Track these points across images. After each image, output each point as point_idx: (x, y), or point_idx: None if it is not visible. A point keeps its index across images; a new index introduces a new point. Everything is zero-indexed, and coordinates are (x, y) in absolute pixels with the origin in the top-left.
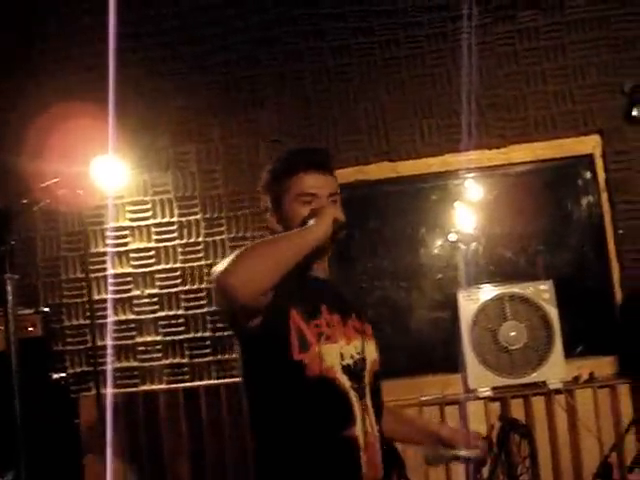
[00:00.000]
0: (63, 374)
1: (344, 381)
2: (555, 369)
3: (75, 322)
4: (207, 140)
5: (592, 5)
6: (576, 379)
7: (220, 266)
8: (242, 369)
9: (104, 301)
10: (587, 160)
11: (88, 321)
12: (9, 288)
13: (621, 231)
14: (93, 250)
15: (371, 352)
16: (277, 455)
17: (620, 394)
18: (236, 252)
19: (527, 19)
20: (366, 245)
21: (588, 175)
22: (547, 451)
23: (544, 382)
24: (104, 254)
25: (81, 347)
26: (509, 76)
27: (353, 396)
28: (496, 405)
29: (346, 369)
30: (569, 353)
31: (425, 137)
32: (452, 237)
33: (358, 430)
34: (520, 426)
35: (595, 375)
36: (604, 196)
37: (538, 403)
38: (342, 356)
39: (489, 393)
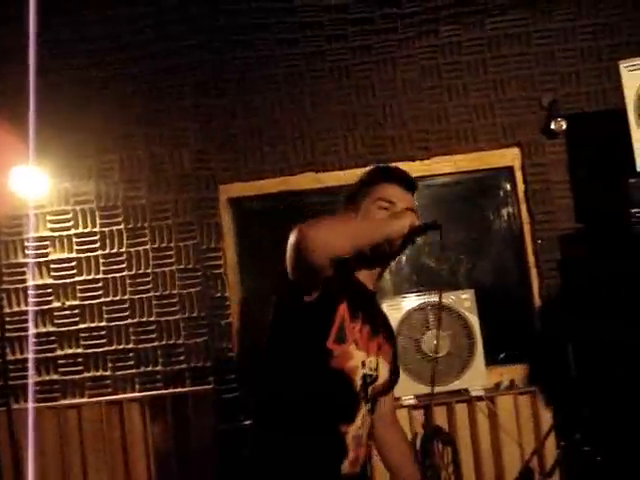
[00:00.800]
0: None
1: (359, 384)
2: (477, 376)
3: None
4: (131, 149)
5: (512, 21)
6: (497, 386)
7: (305, 225)
8: (271, 341)
9: (23, 313)
10: (507, 172)
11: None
12: None
13: (540, 241)
14: (12, 260)
15: (383, 373)
16: (272, 434)
17: (540, 400)
18: (323, 218)
19: (449, 34)
20: None
21: (508, 186)
22: (470, 457)
23: (466, 389)
24: (23, 265)
25: None
26: (432, 89)
27: (361, 399)
28: (420, 413)
29: (362, 377)
30: (490, 361)
31: (349, 148)
32: None
33: (354, 428)
34: (443, 433)
35: (516, 382)
36: (523, 207)
37: (461, 410)
38: (363, 364)
39: (413, 401)
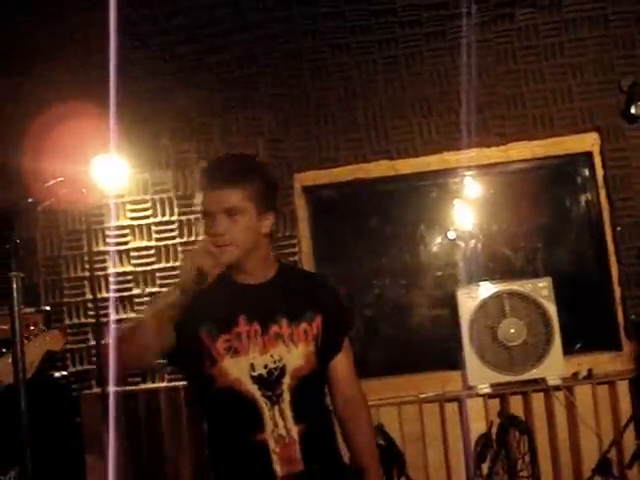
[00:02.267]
0: (64, 373)
1: (253, 390)
2: (554, 366)
3: (76, 321)
4: (207, 139)
5: (590, 3)
6: (575, 375)
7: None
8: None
9: (105, 300)
10: (585, 158)
11: (89, 320)
12: (15, 286)
13: (619, 228)
14: (94, 249)
15: (295, 358)
16: (210, 455)
17: (619, 390)
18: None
19: (525, 17)
20: (366, 243)
21: (586, 172)
22: (546, 447)
23: (543, 379)
24: (105, 253)
25: (82, 345)
26: (507, 74)
27: (263, 403)
28: (495, 402)
29: (257, 379)
30: (568, 350)
31: (424, 135)
32: (451, 235)
33: (267, 434)
34: (519, 422)
35: (594, 371)
36: (602, 193)
37: (537, 400)
38: (253, 367)
39: (488, 390)
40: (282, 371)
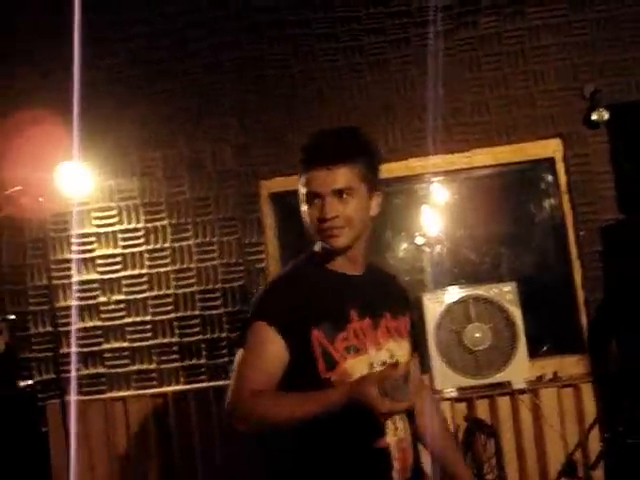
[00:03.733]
0: (30, 382)
1: (374, 392)
2: (519, 369)
3: (41, 329)
4: (173, 146)
5: (552, 11)
6: (540, 379)
7: (231, 396)
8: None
9: (70, 308)
10: (548, 163)
11: (53, 329)
12: None
13: (582, 233)
14: (59, 257)
15: (403, 353)
16: (307, 470)
17: (584, 393)
18: (249, 391)
19: (489, 25)
20: None
21: (549, 178)
22: (512, 450)
23: (509, 382)
24: (69, 261)
25: (48, 354)
26: (471, 81)
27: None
28: (462, 405)
29: None
30: (533, 353)
31: (389, 142)
32: (417, 240)
33: (390, 439)
34: (485, 426)
35: (559, 374)
36: (565, 198)
37: (503, 403)
38: (372, 366)
39: (455, 394)
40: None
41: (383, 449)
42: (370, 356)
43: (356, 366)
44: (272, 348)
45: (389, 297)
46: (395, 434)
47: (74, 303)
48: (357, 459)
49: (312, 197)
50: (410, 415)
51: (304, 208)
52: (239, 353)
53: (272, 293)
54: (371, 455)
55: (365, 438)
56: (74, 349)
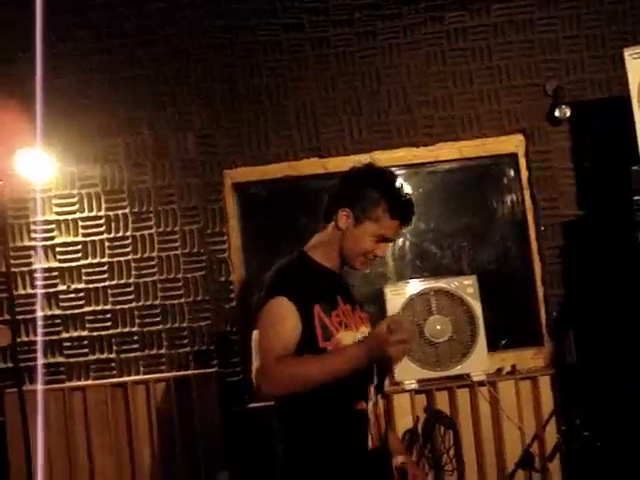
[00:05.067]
0: None
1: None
2: (479, 362)
3: None
4: (135, 133)
5: (518, 7)
6: (499, 371)
7: (258, 366)
8: None
9: (30, 296)
10: (511, 159)
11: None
12: None
13: (543, 228)
14: (18, 244)
15: None
16: (307, 429)
17: (541, 386)
18: (275, 357)
19: (455, 20)
20: (295, 240)
21: (512, 173)
22: (471, 441)
23: (468, 374)
24: (29, 248)
25: (4, 344)
26: (437, 75)
27: (364, 375)
28: (422, 397)
29: None
30: (492, 346)
31: (354, 134)
32: None
33: (368, 404)
34: (445, 417)
35: (517, 367)
36: (527, 194)
37: (462, 395)
38: (355, 340)
39: (415, 385)
40: None
41: (362, 411)
42: (354, 333)
43: (345, 338)
44: (292, 320)
45: (351, 293)
46: (370, 398)
47: (33, 291)
48: (340, 420)
49: (382, 238)
50: (379, 389)
51: (368, 239)
52: (262, 326)
53: (285, 275)
54: (352, 416)
55: (347, 400)
56: (33, 337)
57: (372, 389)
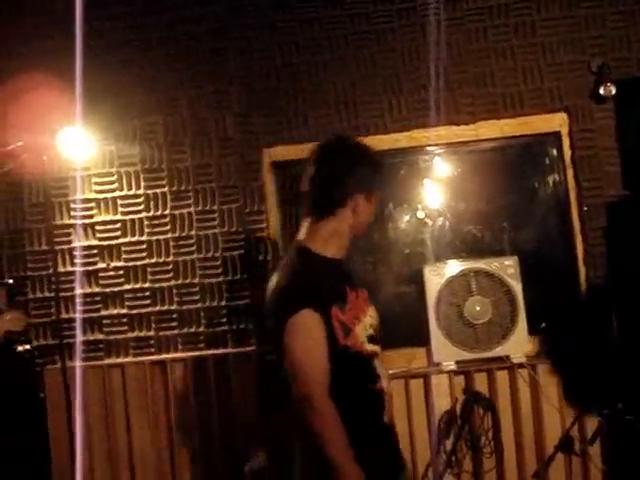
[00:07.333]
0: (28, 346)
1: (370, 349)
2: (519, 344)
3: (40, 295)
4: (174, 112)
5: None
6: (539, 354)
7: (305, 396)
8: None
9: (69, 274)
10: (554, 137)
11: (53, 294)
12: None
13: (586, 208)
14: (58, 222)
15: (376, 317)
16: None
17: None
18: (320, 392)
19: None
20: None
21: (554, 152)
22: (510, 424)
23: (508, 356)
24: (69, 226)
25: (46, 320)
26: (478, 52)
27: (375, 359)
28: (460, 378)
29: (370, 338)
30: (533, 329)
31: (394, 112)
32: (420, 213)
33: (383, 384)
34: (483, 399)
35: None
36: (570, 174)
37: (501, 377)
38: (366, 329)
39: (453, 367)
40: (376, 329)
41: (382, 390)
42: (364, 322)
43: (360, 331)
44: (322, 332)
45: (352, 275)
46: (385, 380)
47: (74, 269)
48: (366, 400)
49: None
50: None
51: (370, 212)
52: (297, 347)
53: (302, 284)
54: (375, 396)
55: (371, 381)
56: (74, 315)
57: (379, 365)
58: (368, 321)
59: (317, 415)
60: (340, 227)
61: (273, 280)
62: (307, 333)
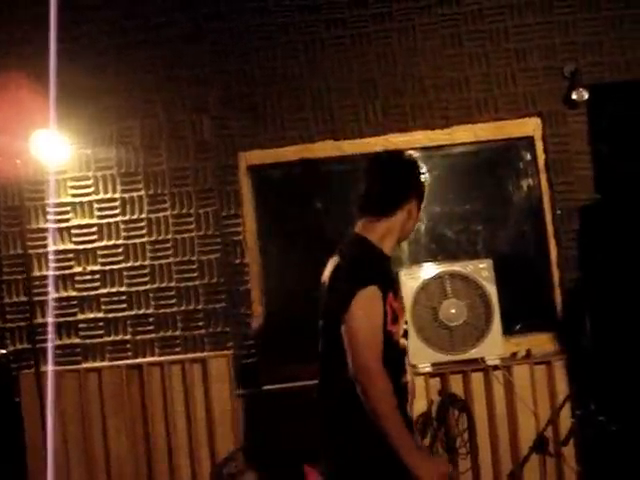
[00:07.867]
0: (3, 351)
1: (404, 342)
2: (493, 346)
3: (15, 299)
4: (151, 115)
5: None
6: (514, 355)
7: (362, 364)
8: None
9: (45, 278)
10: (527, 142)
11: (27, 298)
12: None
13: (559, 212)
14: (34, 226)
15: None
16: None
17: (556, 370)
18: (377, 365)
19: (471, 1)
20: (310, 223)
21: (528, 156)
22: (485, 425)
23: (483, 358)
24: (45, 230)
25: (21, 324)
26: (452, 57)
27: (405, 354)
28: (436, 380)
29: (405, 333)
30: (507, 330)
31: (369, 117)
32: None
33: (409, 378)
34: (459, 401)
35: (532, 352)
36: (543, 177)
37: (477, 379)
38: (404, 324)
39: (429, 369)
40: (406, 330)
41: (407, 383)
42: (404, 318)
43: (402, 324)
44: (382, 308)
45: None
46: (408, 376)
47: (50, 273)
48: (395, 388)
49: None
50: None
51: (418, 217)
52: (360, 316)
53: (368, 263)
54: (402, 388)
55: (400, 375)
56: (50, 319)
57: (407, 361)
58: (404, 319)
59: (373, 384)
60: (394, 227)
61: (333, 261)
62: (373, 307)
